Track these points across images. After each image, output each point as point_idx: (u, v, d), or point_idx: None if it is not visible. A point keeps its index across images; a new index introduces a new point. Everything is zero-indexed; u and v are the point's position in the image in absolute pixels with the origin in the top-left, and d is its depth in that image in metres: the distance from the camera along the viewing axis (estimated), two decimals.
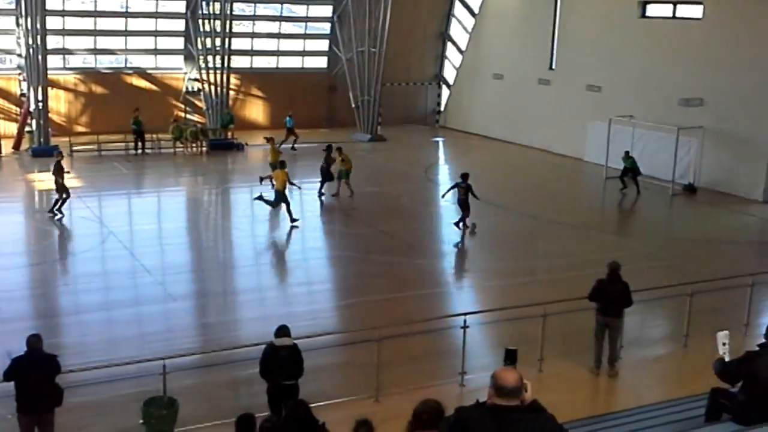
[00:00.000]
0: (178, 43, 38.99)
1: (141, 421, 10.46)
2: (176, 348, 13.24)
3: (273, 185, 23.12)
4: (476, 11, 40.48)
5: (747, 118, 26.75)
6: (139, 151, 33.43)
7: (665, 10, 30.66)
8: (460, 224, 22.14)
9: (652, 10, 31.20)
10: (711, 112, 27.74)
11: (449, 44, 43.20)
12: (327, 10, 41.45)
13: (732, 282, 16.02)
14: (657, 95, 29.61)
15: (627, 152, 27.57)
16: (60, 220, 22.75)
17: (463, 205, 22.15)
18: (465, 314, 13.23)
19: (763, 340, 8.85)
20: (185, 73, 38.95)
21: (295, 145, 34.74)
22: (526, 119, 36.29)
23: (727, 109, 27.26)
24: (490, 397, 5.24)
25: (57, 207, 22.98)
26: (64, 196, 23.04)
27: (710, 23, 28.15)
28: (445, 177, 32.98)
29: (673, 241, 22.21)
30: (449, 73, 43.43)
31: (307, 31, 42.03)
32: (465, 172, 22.85)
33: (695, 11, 29.04)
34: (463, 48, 41.85)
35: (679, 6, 30.06)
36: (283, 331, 10.53)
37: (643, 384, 13.16)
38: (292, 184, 23.32)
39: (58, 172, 23.05)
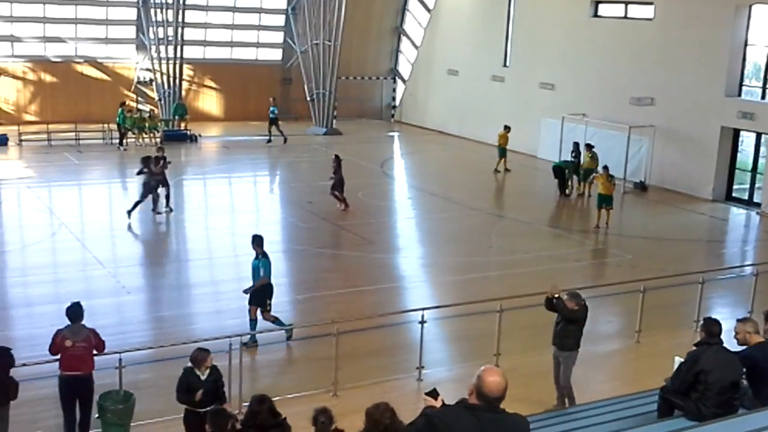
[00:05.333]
0: (130, 32, 38.41)
1: (97, 415, 10.33)
2: (131, 341, 13.10)
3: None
4: (431, 7, 40.58)
5: (697, 117, 27.28)
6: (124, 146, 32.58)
7: (617, 9, 31.09)
8: None
9: (604, 9, 31.61)
10: (662, 111, 28.25)
11: (404, 39, 43.27)
12: (282, 2, 41.19)
13: (683, 279, 16.34)
14: (609, 94, 30.04)
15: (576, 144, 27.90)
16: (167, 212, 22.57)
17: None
18: (423, 309, 13.31)
19: (698, 338, 9.17)
20: (137, 63, 38.41)
21: (270, 137, 34.44)
22: (480, 115, 36.51)
23: (678, 108, 27.77)
24: (470, 394, 5.29)
25: (135, 208, 22.22)
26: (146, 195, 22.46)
27: (661, 23, 28.61)
28: (401, 172, 33.08)
29: (624, 238, 22.57)
30: (404, 68, 43.51)
31: (262, 23, 41.72)
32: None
33: (646, 11, 29.49)
34: (418, 43, 41.95)
35: (630, 6, 30.49)
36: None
37: (595, 380, 13.36)
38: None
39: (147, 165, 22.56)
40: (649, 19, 29.21)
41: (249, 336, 13.55)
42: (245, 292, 14.16)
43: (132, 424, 10.50)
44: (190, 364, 9.86)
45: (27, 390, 10.64)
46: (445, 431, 5.15)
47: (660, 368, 11.07)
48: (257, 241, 14.21)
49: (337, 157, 23.99)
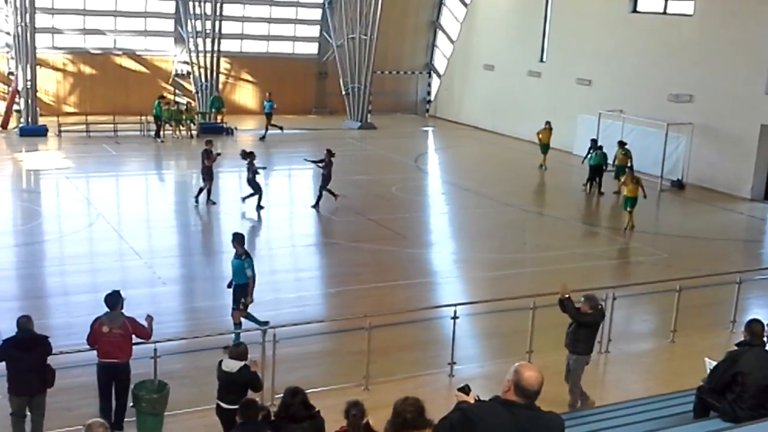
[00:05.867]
0: (168, 24, 38.75)
1: (131, 404, 10.46)
2: (165, 332, 13.18)
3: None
4: (467, 1, 40.43)
5: (736, 115, 26.89)
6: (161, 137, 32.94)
7: (656, 5, 30.72)
8: None
9: (643, 5, 31.26)
10: (700, 108, 27.89)
11: (440, 33, 43.16)
12: None
13: (719, 279, 16.14)
14: (647, 90, 29.72)
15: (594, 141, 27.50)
16: (210, 205, 22.74)
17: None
18: (455, 305, 13.29)
19: (742, 338, 9.02)
20: (174, 56, 38.74)
21: (265, 132, 34.23)
22: (515, 111, 36.34)
23: (717, 105, 27.39)
24: (506, 391, 5.28)
25: (199, 195, 22.76)
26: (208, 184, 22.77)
27: (701, 19, 28.23)
28: (435, 167, 33.04)
29: (660, 236, 22.35)
30: (440, 63, 43.41)
31: (298, 17, 41.86)
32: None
33: (686, 7, 29.11)
34: (454, 38, 41.82)
35: (670, 2, 30.12)
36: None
37: (629, 379, 13.26)
38: None
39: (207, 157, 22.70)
40: (689, 15, 28.84)
41: (233, 339, 13.09)
42: (243, 303, 13.76)
43: (166, 413, 10.60)
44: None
45: (63, 378, 10.79)
46: (480, 426, 5.15)
47: (695, 369, 10.94)
48: (238, 239, 13.94)
49: (329, 151, 23.39)
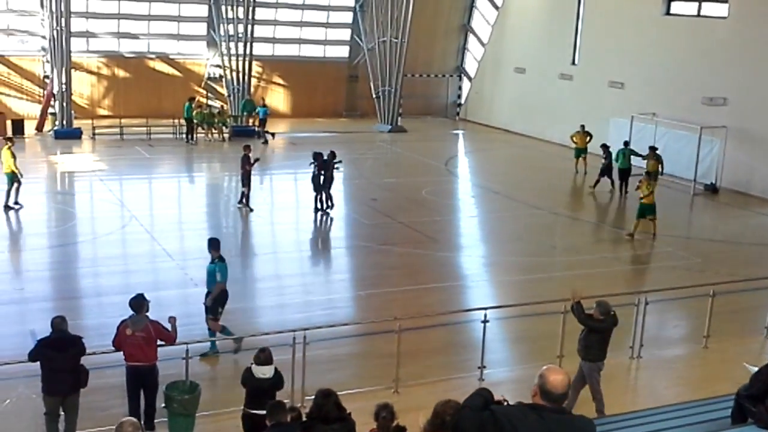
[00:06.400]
0: (201, 29, 39.09)
1: (163, 404, 10.55)
2: (197, 333, 13.31)
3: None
4: (499, 4, 40.33)
5: None
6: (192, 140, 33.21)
7: (690, 8, 30.43)
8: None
9: (677, 7, 30.99)
10: (734, 111, 27.56)
11: (471, 36, 43.09)
12: (350, 0, 41.41)
13: (754, 284, 15.94)
14: (680, 93, 29.43)
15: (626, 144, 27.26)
16: (247, 211, 22.61)
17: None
18: (485, 308, 13.26)
19: None
20: (207, 59, 39.05)
21: (266, 137, 34.25)
22: (546, 114, 36.17)
23: (751, 108, 27.06)
24: (533, 396, 5.27)
25: (243, 200, 22.68)
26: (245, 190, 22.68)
27: (735, 22, 27.90)
28: (465, 170, 32.98)
29: (693, 241, 22.13)
30: (471, 66, 43.34)
31: (329, 20, 42.03)
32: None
33: (720, 10, 28.81)
34: (485, 41, 41.73)
35: (704, 4, 29.82)
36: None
37: (660, 385, 13.14)
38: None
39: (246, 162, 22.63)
40: (723, 18, 28.53)
41: (209, 346, 13.11)
42: (206, 304, 13.49)
43: (197, 414, 10.69)
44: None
45: (97, 378, 10.93)
46: (509, 428, 5.13)
47: (729, 374, 10.85)
48: (214, 244, 13.70)
49: (333, 153, 23.21)
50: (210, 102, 37.65)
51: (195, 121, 33.32)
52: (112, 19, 37.40)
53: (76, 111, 34.16)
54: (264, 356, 9.89)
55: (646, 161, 26.31)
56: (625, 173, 26.47)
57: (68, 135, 32.22)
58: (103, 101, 37.55)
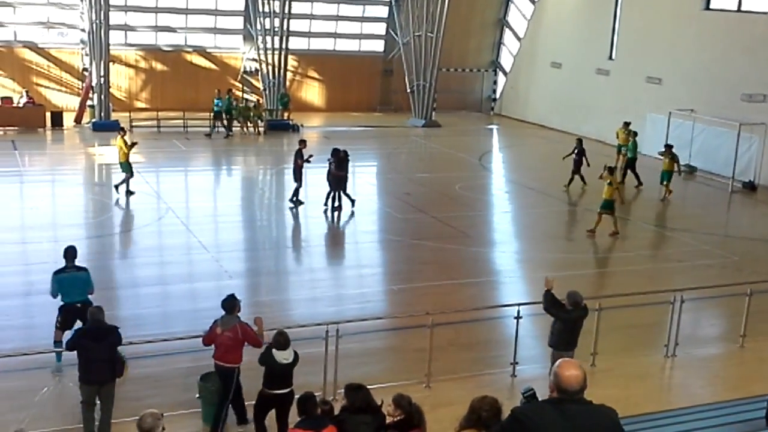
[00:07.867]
0: (238, 22, 39.31)
1: (198, 395, 10.66)
2: None
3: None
4: None
5: None
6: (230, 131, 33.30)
7: (730, 2, 29.98)
8: None
9: (717, 2, 30.54)
10: None
11: (507, 31, 42.86)
12: None
13: None
14: (719, 89, 29.05)
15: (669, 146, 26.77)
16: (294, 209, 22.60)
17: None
18: (518, 304, 13.22)
19: None
20: (243, 53, 39.27)
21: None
22: (582, 109, 35.90)
23: None
24: (551, 392, 5.24)
25: (294, 197, 22.64)
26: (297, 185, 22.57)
27: None
28: (499, 165, 32.85)
29: (730, 239, 21.83)
30: (506, 60, 43.12)
31: (365, 14, 42.05)
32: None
33: (762, 4, 28.37)
34: (521, 35, 41.49)
35: None
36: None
37: (695, 384, 13.01)
38: None
39: (299, 156, 22.53)
40: (765, 13, 28.09)
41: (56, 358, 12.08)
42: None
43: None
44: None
45: (133, 368, 11.10)
46: (531, 426, 5.11)
47: (765, 374, 10.72)
48: (70, 253, 12.61)
49: (345, 153, 22.71)
50: (246, 96, 37.85)
51: (232, 115, 33.42)
52: (150, 13, 37.77)
53: (114, 104, 34.57)
54: (283, 339, 10.01)
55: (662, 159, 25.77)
56: (632, 163, 26.57)
57: (106, 127, 32.41)
58: (141, 94, 37.94)
